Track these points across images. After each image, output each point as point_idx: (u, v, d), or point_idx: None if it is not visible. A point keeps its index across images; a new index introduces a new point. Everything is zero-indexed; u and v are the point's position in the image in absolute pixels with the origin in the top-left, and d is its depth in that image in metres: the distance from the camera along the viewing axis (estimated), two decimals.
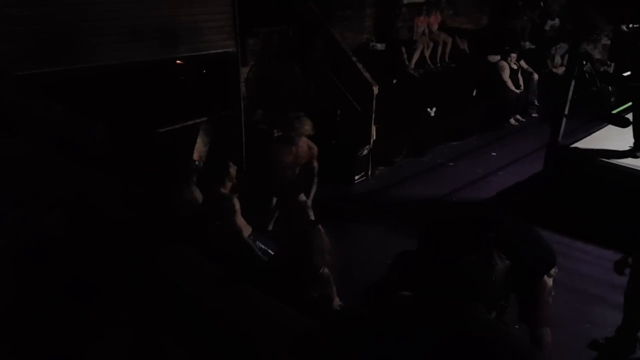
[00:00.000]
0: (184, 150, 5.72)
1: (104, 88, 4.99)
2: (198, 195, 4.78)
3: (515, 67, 9.50)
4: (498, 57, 9.55)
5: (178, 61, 5.90)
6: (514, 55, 9.47)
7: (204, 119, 6.03)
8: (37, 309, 1.67)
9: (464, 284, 1.71)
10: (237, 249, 4.00)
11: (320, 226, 3.39)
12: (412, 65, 8.97)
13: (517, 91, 9.50)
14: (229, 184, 4.08)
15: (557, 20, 11.29)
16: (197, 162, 4.85)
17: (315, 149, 5.23)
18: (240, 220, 4.06)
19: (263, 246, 4.21)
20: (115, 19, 4.96)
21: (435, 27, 9.49)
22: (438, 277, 1.72)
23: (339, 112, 7.20)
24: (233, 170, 4.12)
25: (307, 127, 5.10)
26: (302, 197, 5.32)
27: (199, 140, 5.97)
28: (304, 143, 5.18)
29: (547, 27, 11.31)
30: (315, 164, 5.28)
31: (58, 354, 1.65)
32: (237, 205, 4.01)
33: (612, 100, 7.16)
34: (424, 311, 1.76)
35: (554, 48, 10.63)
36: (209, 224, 3.96)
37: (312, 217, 5.28)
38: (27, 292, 1.68)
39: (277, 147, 5.33)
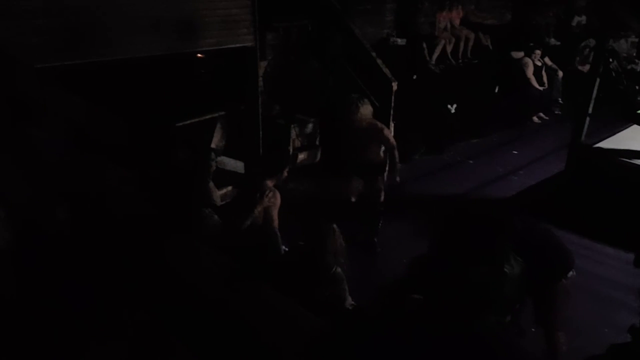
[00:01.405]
0: (202, 144, 5.73)
1: (123, 81, 5.02)
2: (214, 189, 4.82)
3: (539, 64, 9.34)
4: (522, 54, 9.40)
5: (199, 55, 5.91)
6: (538, 52, 9.31)
7: (222, 113, 6.04)
8: (39, 306, 1.68)
9: (475, 296, 1.67)
10: (265, 240, 4.09)
11: (335, 225, 3.37)
12: (433, 61, 8.86)
13: (541, 88, 9.34)
14: (275, 180, 4.21)
15: (583, 17, 11.05)
16: (214, 157, 4.86)
17: (378, 125, 5.20)
18: (276, 214, 4.17)
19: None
20: (135, 13, 4.96)
21: (457, 22, 9.36)
22: (449, 286, 1.69)
23: None
24: (287, 172, 4.35)
25: (368, 110, 5.12)
26: (380, 181, 5.40)
27: (216, 134, 5.99)
28: (366, 124, 5.14)
29: (573, 24, 11.08)
30: (387, 139, 5.20)
31: (60, 354, 1.65)
32: (279, 200, 4.15)
33: (638, 99, 6.98)
34: (434, 317, 1.72)
35: (587, 48, 10.31)
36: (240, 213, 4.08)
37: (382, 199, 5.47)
38: (29, 288, 1.69)
39: (343, 133, 5.40)
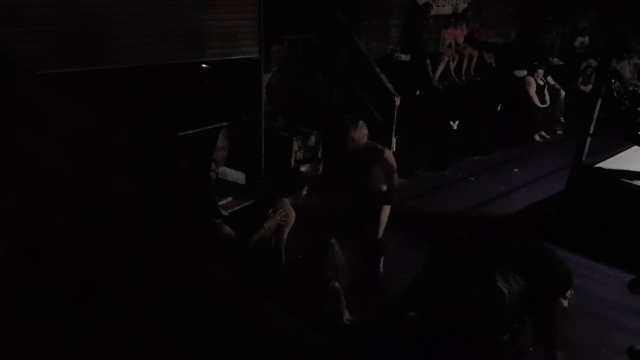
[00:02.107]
0: (204, 154, 5.74)
1: (128, 89, 5.04)
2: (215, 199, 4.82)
3: (541, 82, 9.37)
4: (525, 72, 9.43)
5: (203, 65, 5.94)
6: (541, 71, 9.34)
7: (225, 123, 6.06)
8: (29, 316, 1.66)
9: (469, 316, 1.66)
10: (268, 256, 4.08)
11: (334, 240, 3.36)
12: (437, 78, 8.89)
13: (543, 106, 9.35)
14: (293, 197, 4.18)
15: (586, 38, 11.11)
16: (215, 167, 4.88)
17: (378, 147, 4.75)
18: (286, 233, 4.13)
19: None
20: (141, 22, 5.01)
21: (461, 39, 9.41)
22: (443, 306, 1.69)
23: None
24: (305, 190, 4.24)
25: (362, 133, 4.65)
26: (382, 213, 4.89)
27: (218, 144, 6.00)
28: (363, 147, 4.70)
29: (576, 44, 11.14)
30: (387, 161, 4.73)
31: None
32: (292, 219, 4.09)
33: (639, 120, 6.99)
34: (429, 335, 1.72)
35: (589, 68, 10.31)
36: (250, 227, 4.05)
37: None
38: (20, 298, 1.68)
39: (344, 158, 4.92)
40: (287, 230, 4.04)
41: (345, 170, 5.13)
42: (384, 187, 4.82)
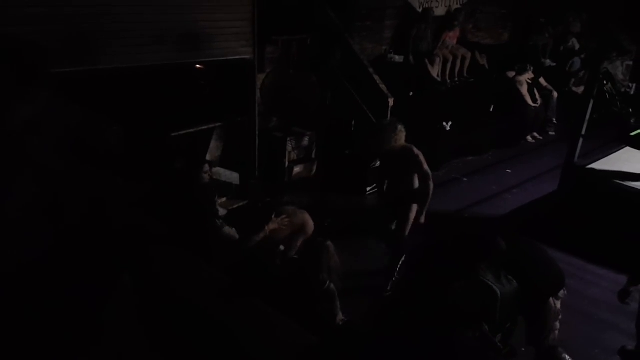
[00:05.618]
0: (198, 155, 5.73)
1: (122, 90, 5.03)
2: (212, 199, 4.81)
3: (530, 82, 9.42)
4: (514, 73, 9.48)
5: (198, 65, 5.93)
6: (530, 72, 9.38)
7: (219, 124, 6.06)
8: (25, 316, 1.66)
9: (450, 311, 1.69)
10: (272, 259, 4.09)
11: (330, 242, 3.37)
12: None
13: (534, 106, 9.39)
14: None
15: (579, 40, 11.16)
16: (208, 168, 4.86)
17: (414, 151, 4.79)
18: (299, 242, 4.15)
19: None
20: (135, 23, 4.99)
21: (454, 41, 9.44)
22: (427, 302, 1.71)
23: (353, 122, 7.19)
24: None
25: (402, 136, 4.75)
26: (411, 211, 4.90)
27: (212, 145, 5.99)
28: (400, 148, 4.78)
29: (569, 46, 11.19)
30: (421, 165, 4.76)
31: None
32: (311, 228, 4.18)
33: (632, 122, 7.05)
34: (416, 334, 1.74)
35: (578, 69, 10.37)
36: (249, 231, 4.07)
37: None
38: (17, 300, 1.67)
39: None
40: (302, 239, 4.04)
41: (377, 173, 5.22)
42: (416, 187, 4.89)
